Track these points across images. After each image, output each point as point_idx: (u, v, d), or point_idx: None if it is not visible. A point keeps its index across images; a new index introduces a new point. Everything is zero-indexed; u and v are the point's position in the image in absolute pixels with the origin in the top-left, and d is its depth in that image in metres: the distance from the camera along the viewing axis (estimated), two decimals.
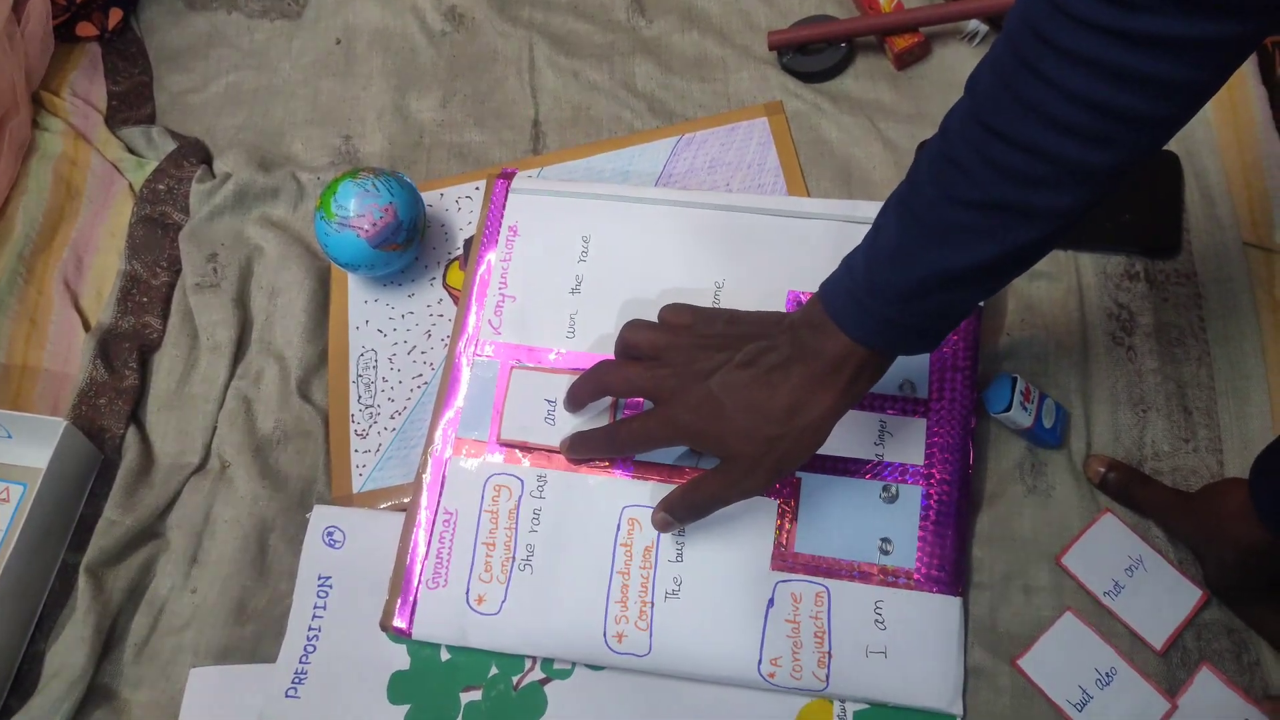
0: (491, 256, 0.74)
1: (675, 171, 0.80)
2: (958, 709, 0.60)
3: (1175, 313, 0.70)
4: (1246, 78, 0.77)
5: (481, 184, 0.82)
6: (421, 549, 0.66)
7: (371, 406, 0.74)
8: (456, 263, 0.79)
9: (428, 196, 0.81)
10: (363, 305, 0.78)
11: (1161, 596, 0.62)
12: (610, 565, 0.65)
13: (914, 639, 0.61)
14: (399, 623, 0.65)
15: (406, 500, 0.70)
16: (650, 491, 0.66)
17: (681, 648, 0.62)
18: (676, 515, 0.62)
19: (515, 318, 0.72)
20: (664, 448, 0.63)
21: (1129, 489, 0.64)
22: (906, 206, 0.51)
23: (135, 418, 0.76)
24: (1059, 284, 0.72)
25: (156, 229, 0.83)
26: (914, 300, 0.52)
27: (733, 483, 0.59)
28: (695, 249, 0.72)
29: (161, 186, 0.84)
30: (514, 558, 0.65)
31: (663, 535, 0.65)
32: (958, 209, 0.48)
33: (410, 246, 0.75)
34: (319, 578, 0.68)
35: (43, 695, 0.66)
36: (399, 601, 0.65)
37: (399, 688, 0.65)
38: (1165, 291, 0.71)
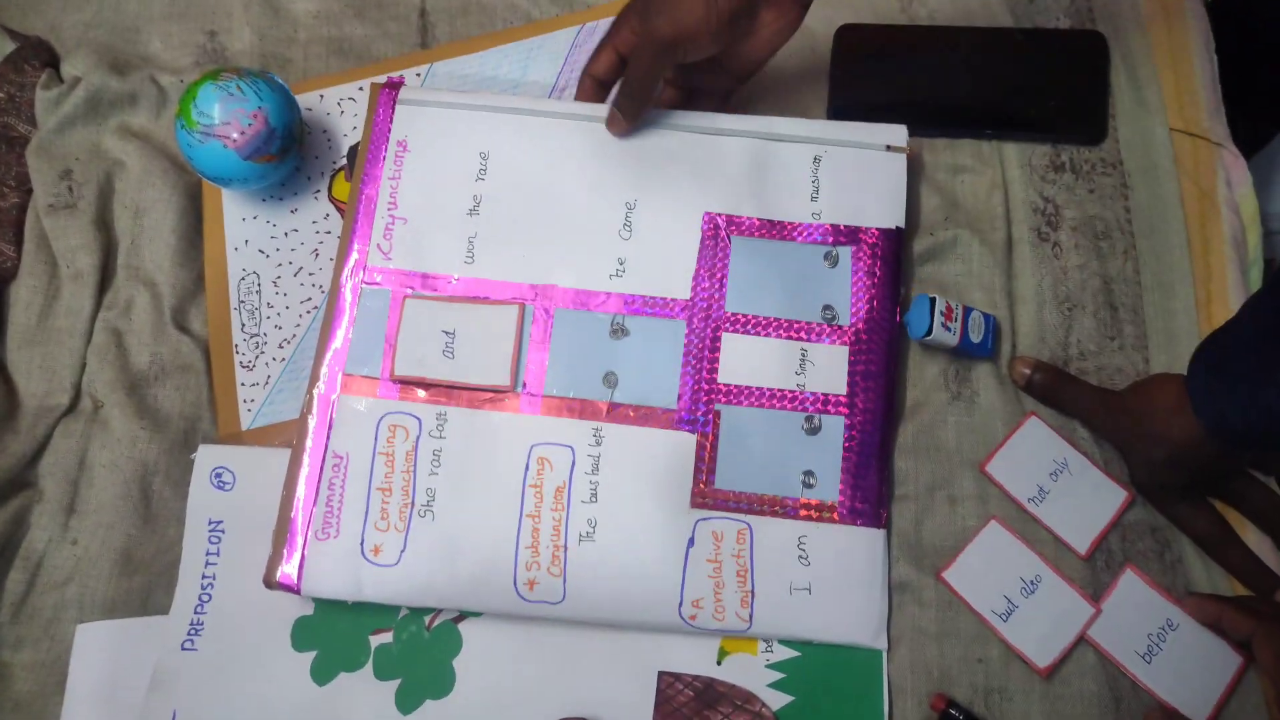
0: (378, 174, 0.67)
1: (578, 63, 0.73)
2: (882, 643, 0.59)
3: (1101, 205, 0.67)
4: None
5: (366, 84, 0.75)
6: (308, 497, 0.61)
7: (257, 335, 0.68)
8: (342, 174, 0.72)
9: (305, 99, 0.74)
10: (240, 224, 0.71)
11: (1086, 499, 0.61)
12: (519, 508, 0.61)
13: (838, 574, 0.59)
14: (285, 579, 0.60)
15: None
16: (558, 428, 0.62)
17: (597, 594, 0.59)
18: (630, 92, 0.62)
19: (407, 241, 0.65)
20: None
21: (1056, 390, 0.63)
22: None
23: None
24: (982, 178, 0.68)
25: (0, 144, 0.74)
26: None
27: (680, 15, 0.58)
28: (604, 167, 0.66)
29: (2, 94, 0.75)
30: (413, 503, 0.61)
31: (574, 474, 0.61)
32: None
33: (287, 156, 0.68)
34: (209, 522, 0.64)
35: None
36: (284, 555, 0.60)
37: (304, 634, 0.61)
38: (1091, 182, 0.68)
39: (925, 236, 0.67)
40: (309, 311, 0.69)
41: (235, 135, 0.65)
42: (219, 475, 0.64)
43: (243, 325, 0.69)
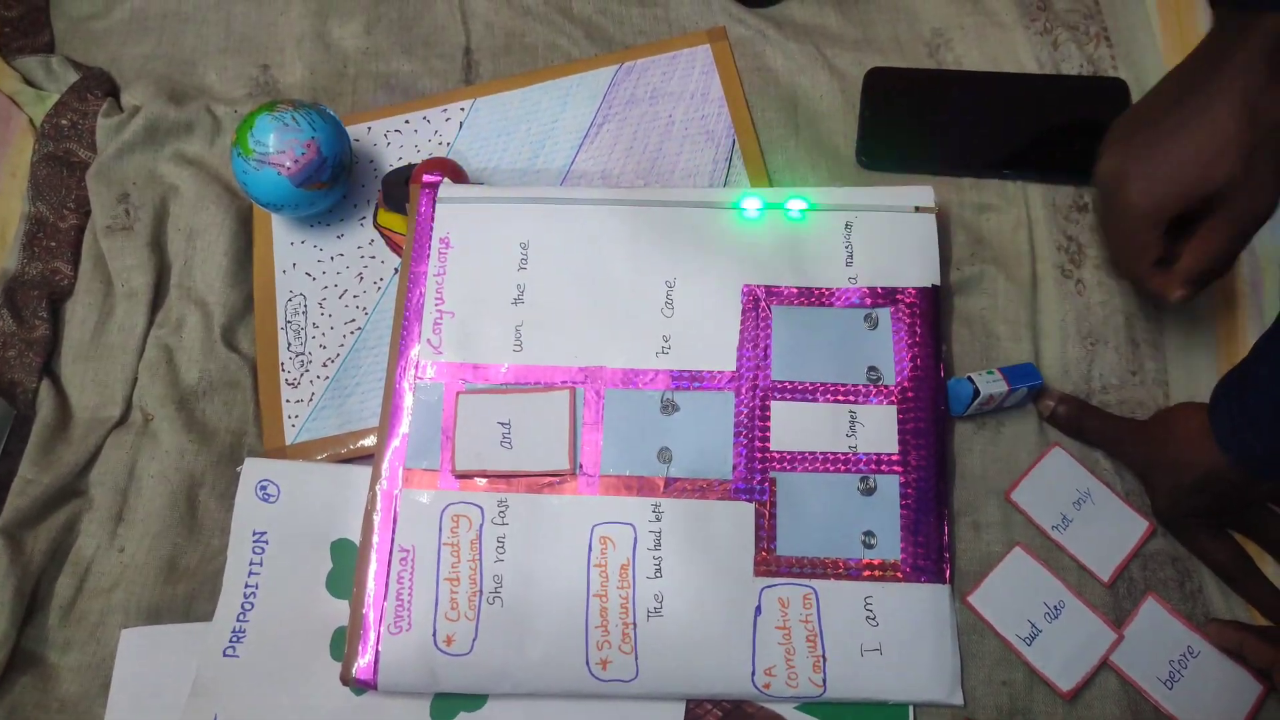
0: (424, 271, 0.69)
1: (615, 103, 0.77)
2: (958, 699, 0.59)
3: None
4: (1195, 6, 0.75)
5: (411, 117, 0.78)
6: (378, 592, 0.62)
7: (303, 354, 0.71)
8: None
9: (354, 130, 0.77)
10: (289, 247, 0.74)
11: (1109, 529, 0.62)
12: (586, 589, 0.61)
13: (907, 632, 0.60)
14: (362, 675, 0.60)
15: (343, 450, 0.68)
16: (617, 507, 0.63)
17: (670, 668, 0.60)
18: (1202, 276, 0.58)
19: (456, 335, 0.67)
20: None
21: (1079, 421, 0.64)
22: None
23: (49, 370, 0.72)
24: (1008, 216, 0.71)
25: (61, 168, 0.77)
26: None
27: (1253, 204, 0.56)
28: (642, 248, 0.68)
29: (65, 121, 0.79)
30: (481, 591, 0.61)
31: (637, 551, 0.62)
32: None
33: (337, 185, 0.71)
34: (254, 533, 0.66)
35: None
36: (359, 651, 0.60)
37: (342, 644, 0.63)
38: None
39: (953, 271, 0.69)
40: (352, 332, 0.71)
41: (289, 163, 0.68)
42: (264, 488, 0.66)
43: (289, 344, 0.71)
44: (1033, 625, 0.60)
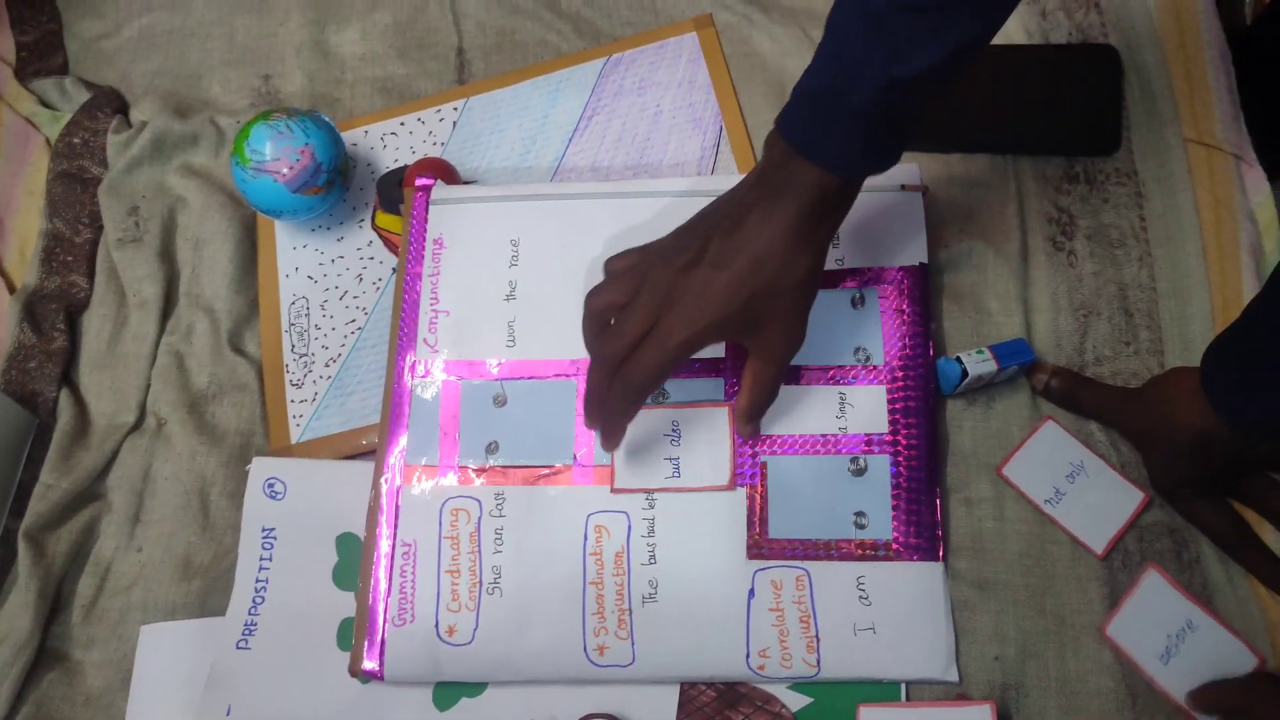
0: (419, 272, 0.70)
1: (604, 95, 0.78)
2: (953, 675, 0.59)
3: (1115, 213, 0.69)
4: None
5: (407, 119, 0.80)
6: (383, 586, 0.63)
7: (306, 355, 0.73)
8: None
9: (351, 135, 0.79)
10: (291, 252, 0.76)
11: (1103, 501, 0.62)
12: (582, 577, 0.62)
13: (900, 611, 0.60)
14: (369, 665, 0.62)
15: (346, 448, 0.70)
16: (612, 496, 0.64)
17: (666, 652, 0.61)
18: (756, 412, 0.60)
19: (451, 332, 0.68)
20: (683, 359, 0.55)
21: (1073, 394, 0.64)
22: (854, 21, 0.50)
23: (67, 379, 0.75)
24: (997, 191, 0.70)
25: (75, 185, 0.80)
26: (874, 117, 0.50)
27: (780, 347, 0.56)
28: (628, 238, 0.67)
29: (77, 140, 0.82)
30: (481, 582, 0.63)
31: (632, 538, 0.63)
32: (908, 13, 0.48)
33: (333, 189, 0.73)
34: (263, 530, 0.68)
35: None
36: (365, 643, 0.62)
37: (349, 635, 0.65)
38: (1105, 192, 0.69)
39: (941, 249, 0.69)
40: (353, 332, 0.73)
41: (285, 170, 0.70)
42: (271, 485, 0.68)
43: (293, 346, 0.73)
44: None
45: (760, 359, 0.57)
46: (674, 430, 0.64)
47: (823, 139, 0.51)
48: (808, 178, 0.52)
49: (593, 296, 0.58)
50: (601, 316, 0.58)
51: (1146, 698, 0.58)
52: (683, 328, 0.54)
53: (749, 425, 0.61)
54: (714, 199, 0.57)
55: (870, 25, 0.49)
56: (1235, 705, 0.56)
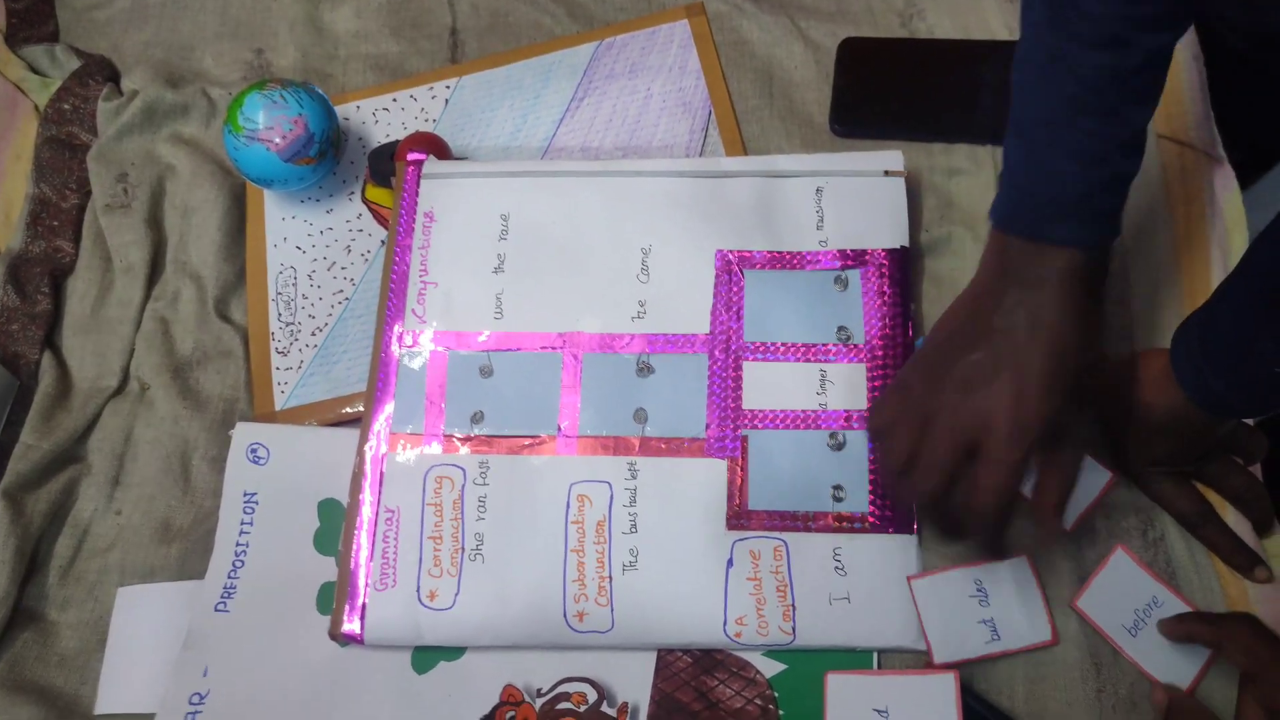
0: (409, 244, 0.71)
1: (595, 78, 0.79)
2: (923, 644, 0.60)
3: None
4: None
5: (399, 95, 0.80)
6: (365, 550, 0.64)
7: (292, 324, 0.73)
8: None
9: (344, 110, 0.80)
10: (280, 222, 0.77)
11: None
12: (564, 545, 0.63)
13: (875, 581, 0.61)
14: (350, 628, 0.62)
15: (330, 415, 0.70)
16: (594, 466, 0.65)
17: (644, 620, 0.62)
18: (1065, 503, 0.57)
19: (439, 303, 0.69)
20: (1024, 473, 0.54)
21: None
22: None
23: (50, 343, 0.75)
24: (976, 179, 0.72)
25: (64, 150, 0.81)
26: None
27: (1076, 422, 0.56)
28: (618, 217, 0.70)
29: (67, 106, 0.82)
30: (463, 549, 0.64)
31: (613, 508, 0.64)
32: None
33: (324, 160, 0.74)
34: (244, 494, 0.68)
35: None
36: (346, 607, 0.63)
37: (328, 598, 0.65)
38: None
39: (922, 233, 0.71)
40: (340, 303, 0.74)
41: (277, 139, 0.71)
42: (254, 451, 0.69)
43: (279, 315, 0.74)
44: (978, 584, 0.61)
45: (1066, 443, 0.56)
46: (979, 590, 0.62)
47: (1064, 230, 0.53)
48: (1059, 260, 0.53)
49: (884, 455, 0.59)
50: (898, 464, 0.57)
51: (1110, 667, 0.59)
52: (1017, 448, 0.53)
53: (1060, 520, 0.59)
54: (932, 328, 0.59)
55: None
56: (1209, 639, 0.57)
